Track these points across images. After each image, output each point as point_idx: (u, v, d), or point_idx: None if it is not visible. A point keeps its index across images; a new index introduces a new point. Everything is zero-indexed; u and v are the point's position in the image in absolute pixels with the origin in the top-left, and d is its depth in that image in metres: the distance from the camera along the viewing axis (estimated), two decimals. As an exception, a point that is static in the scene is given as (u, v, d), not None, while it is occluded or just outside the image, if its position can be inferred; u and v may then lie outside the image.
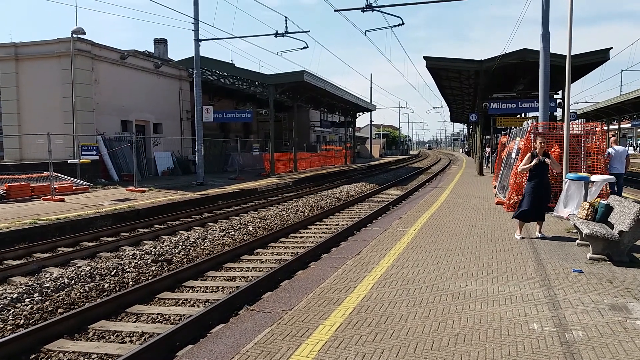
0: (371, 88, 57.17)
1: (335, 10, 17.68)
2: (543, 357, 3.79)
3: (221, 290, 7.19)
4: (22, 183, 15.41)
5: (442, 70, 25.17)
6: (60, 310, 6.29)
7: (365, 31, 19.04)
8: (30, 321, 5.89)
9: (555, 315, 4.68)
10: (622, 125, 55.86)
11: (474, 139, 42.52)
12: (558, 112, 24.36)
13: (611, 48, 19.93)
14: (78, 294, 6.85)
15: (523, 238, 8.34)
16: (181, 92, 28.49)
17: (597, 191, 9.09)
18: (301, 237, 11.15)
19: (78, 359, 4.98)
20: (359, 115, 49.63)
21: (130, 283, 7.49)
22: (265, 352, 3.97)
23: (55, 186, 15.51)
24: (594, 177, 9.69)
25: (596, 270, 6.30)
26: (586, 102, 64.01)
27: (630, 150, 64.79)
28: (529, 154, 8.54)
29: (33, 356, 5.05)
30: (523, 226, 8.56)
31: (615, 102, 39.16)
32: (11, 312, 6.10)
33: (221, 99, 35.12)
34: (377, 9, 16.74)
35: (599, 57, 20.28)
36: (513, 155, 13.45)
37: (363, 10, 16.71)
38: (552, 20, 13.03)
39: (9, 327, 5.68)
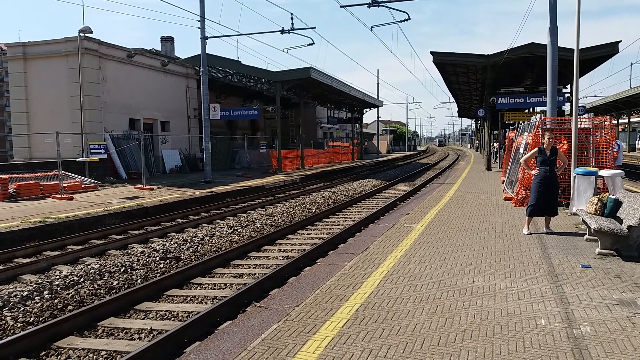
0: (378, 84, 56.96)
1: (341, 6, 17.61)
2: (550, 352, 3.78)
3: (229, 287, 7.22)
4: (31, 182, 15.54)
5: (450, 66, 25.07)
6: (69, 307, 6.35)
7: (372, 27, 18.97)
8: (41, 319, 5.95)
9: (563, 311, 4.66)
10: (632, 119, 55.33)
11: (482, 134, 42.30)
12: (567, 107, 24.17)
13: (620, 41, 19.77)
14: (87, 291, 6.91)
15: (531, 233, 8.30)
16: (188, 90, 28.58)
17: (618, 185, 9.02)
18: (308, 234, 11.16)
19: (87, 356, 5.03)
20: (366, 112, 49.53)
21: (139, 280, 7.55)
22: (272, 349, 3.98)
23: (64, 185, 15.63)
24: (602, 172, 9.63)
25: (605, 266, 6.26)
26: (595, 96, 63.42)
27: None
28: (536, 149, 8.50)
29: (43, 353, 5.10)
30: (531, 221, 8.52)
31: (625, 95, 38.84)
32: (22, 309, 6.17)
33: (228, 96, 35.18)
34: (383, 4, 16.69)
35: (608, 51, 20.12)
36: (521, 150, 13.37)
37: (369, 5, 16.66)
38: (559, 14, 12.95)
39: (19, 325, 5.74)
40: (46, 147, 20.58)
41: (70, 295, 6.73)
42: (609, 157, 11.33)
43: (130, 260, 8.54)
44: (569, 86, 23.49)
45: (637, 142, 64.37)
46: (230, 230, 11.27)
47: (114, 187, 18.20)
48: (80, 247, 9.84)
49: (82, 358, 5.00)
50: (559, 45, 12.82)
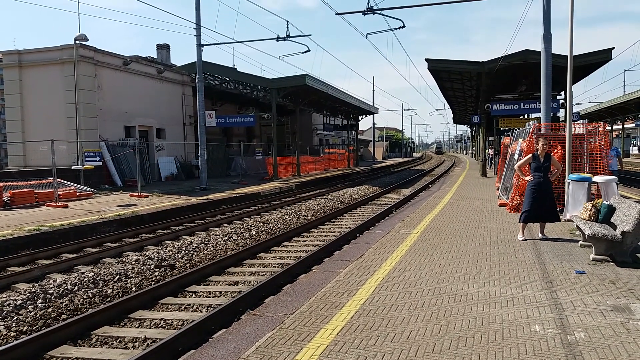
0: (374, 91, 57.37)
1: (336, 14, 17.70)
2: (545, 359, 3.78)
3: (224, 295, 7.20)
4: (26, 190, 15.48)
5: (444, 72, 25.16)
6: (63, 316, 6.31)
7: (367, 34, 19.07)
8: (34, 327, 5.91)
9: (558, 317, 4.66)
10: (625, 125, 55.62)
11: (477, 141, 42.46)
12: (561, 113, 24.30)
13: (613, 48, 19.88)
14: (81, 300, 6.87)
15: (526, 239, 8.32)
16: (184, 97, 28.58)
17: (612, 190, 9.06)
18: (304, 241, 11.15)
19: (81, 365, 5.00)
20: (362, 118, 49.64)
21: (134, 289, 7.51)
22: (266, 357, 3.97)
23: (59, 192, 15.57)
24: (596, 178, 9.68)
25: (599, 271, 6.28)
26: (589, 102, 63.72)
27: (635, 150, 64.54)
28: (530, 155, 8.54)
29: (36, 362, 5.07)
30: (525, 227, 8.54)
31: (619, 102, 39.03)
32: (15, 318, 6.12)
33: (224, 103, 35.20)
34: (378, 12, 16.76)
35: (601, 57, 20.25)
36: (516, 156, 13.42)
37: (364, 13, 16.73)
38: (553, 21, 13.06)
39: (12, 334, 5.70)
40: (41, 154, 20.52)
41: (64, 304, 6.69)
42: (603, 163, 11.39)
43: (125, 268, 8.50)
44: (563, 92, 23.64)
45: (631, 148, 64.77)
46: (226, 238, 11.24)
47: (109, 195, 18.14)
48: (74, 255, 9.78)
49: (75, 367, 4.96)
50: (553, 52, 12.92)
